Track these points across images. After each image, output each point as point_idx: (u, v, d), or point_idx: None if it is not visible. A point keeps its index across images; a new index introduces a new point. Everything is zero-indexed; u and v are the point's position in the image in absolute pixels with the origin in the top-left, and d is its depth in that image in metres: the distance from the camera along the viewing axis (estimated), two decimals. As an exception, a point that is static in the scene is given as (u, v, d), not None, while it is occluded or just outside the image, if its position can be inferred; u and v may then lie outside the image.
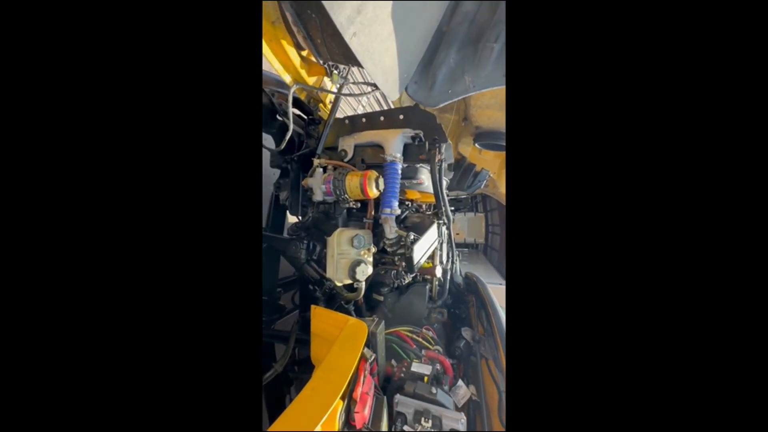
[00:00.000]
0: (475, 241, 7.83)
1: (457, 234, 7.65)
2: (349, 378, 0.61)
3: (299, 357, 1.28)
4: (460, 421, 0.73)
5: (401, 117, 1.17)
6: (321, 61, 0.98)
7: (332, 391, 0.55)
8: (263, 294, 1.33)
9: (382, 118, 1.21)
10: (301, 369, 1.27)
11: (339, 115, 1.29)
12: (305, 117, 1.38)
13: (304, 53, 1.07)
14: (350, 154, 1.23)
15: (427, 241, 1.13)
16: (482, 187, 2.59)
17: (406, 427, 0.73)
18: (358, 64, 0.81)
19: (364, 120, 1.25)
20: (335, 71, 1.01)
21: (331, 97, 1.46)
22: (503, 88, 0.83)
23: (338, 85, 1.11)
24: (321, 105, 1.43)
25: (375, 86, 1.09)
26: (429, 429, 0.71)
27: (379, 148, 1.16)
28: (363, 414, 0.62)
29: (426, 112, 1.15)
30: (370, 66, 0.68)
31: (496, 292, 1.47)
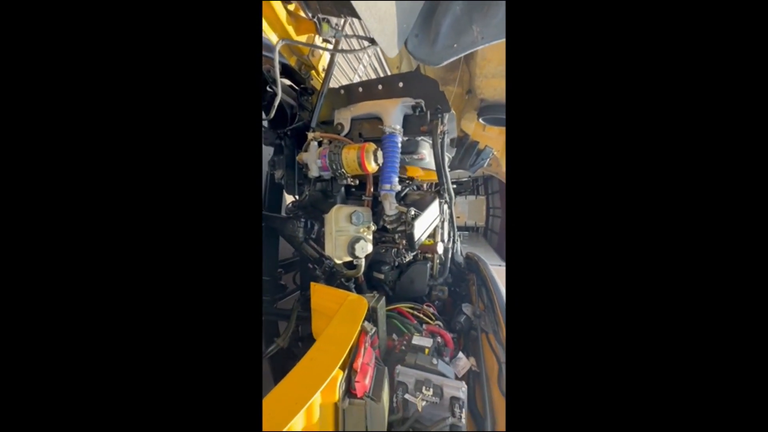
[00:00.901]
0: (476, 224, 7.84)
1: (458, 217, 7.66)
2: (348, 349, 0.60)
3: (302, 334, 1.30)
4: (461, 389, 0.74)
5: (401, 85, 1.08)
6: (310, 14, 0.87)
7: (330, 362, 0.54)
8: (265, 274, 1.33)
9: (380, 87, 1.12)
10: (305, 345, 1.30)
11: (333, 86, 1.19)
12: (297, 87, 1.28)
13: (291, 7, 0.96)
14: (347, 128, 1.15)
15: (429, 218, 1.09)
16: (485, 165, 2.51)
17: (407, 396, 0.74)
18: (352, 13, 0.71)
19: (360, 89, 1.16)
20: (326, 23, 0.90)
21: (324, 64, 1.34)
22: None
23: (331, 40, 1.00)
24: (313, 72, 1.32)
25: (371, 41, 0.98)
26: (430, 397, 0.72)
27: (377, 120, 1.08)
28: (364, 383, 0.62)
29: (428, 78, 1.06)
30: (365, 12, 0.60)
31: (496, 272, 1.47)
